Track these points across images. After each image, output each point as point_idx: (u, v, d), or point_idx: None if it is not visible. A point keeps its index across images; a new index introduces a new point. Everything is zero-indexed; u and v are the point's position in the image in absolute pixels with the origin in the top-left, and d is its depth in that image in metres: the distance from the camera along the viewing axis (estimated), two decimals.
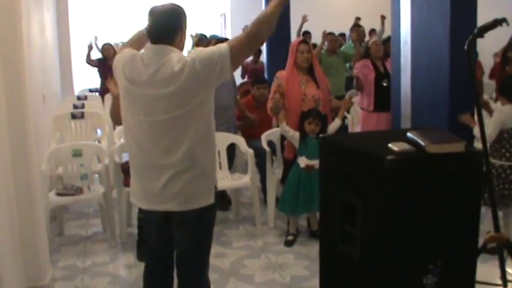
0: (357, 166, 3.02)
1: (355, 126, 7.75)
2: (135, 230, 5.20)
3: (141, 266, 3.65)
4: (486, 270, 3.83)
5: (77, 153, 5.64)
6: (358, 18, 11.20)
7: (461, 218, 2.91)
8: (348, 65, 9.43)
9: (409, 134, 3.02)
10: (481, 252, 3.51)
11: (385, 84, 6.34)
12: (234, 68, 2.98)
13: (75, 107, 7.78)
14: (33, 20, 6.37)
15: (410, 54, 5.20)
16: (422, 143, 2.88)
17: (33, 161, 4.36)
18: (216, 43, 6.35)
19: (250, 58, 10.71)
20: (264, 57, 11.07)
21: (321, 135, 4.04)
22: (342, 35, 11.35)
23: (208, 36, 9.83)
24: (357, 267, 3.03)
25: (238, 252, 5.17)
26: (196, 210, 3.01)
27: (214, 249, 5.13)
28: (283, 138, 5.60)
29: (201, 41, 8.68)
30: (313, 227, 5.41)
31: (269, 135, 5.92)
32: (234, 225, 5.91)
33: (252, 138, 6.22)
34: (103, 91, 9.33)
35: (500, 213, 4.28)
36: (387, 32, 8.30)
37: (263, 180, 6.16)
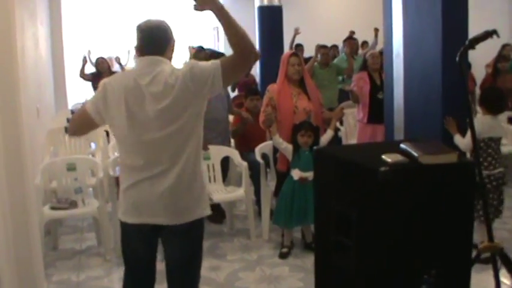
0: (351, 178, 3.04)
1: (349, 139, 7.78)
2: None
3: None
4: (480, 280, 3.85)
5: (71, 167, 5.63)
6: (352, 32, 11.27)
7: (454, 227, 2.92)
8: (340, 77, 9.47)
9: (402, 145, 3.04)
10: (475, 262, 3.52)
11: (380, 96, 6.38)
12: (227, 85, 3.02)
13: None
14: (27, 33, 6.39)
15: (403, 66, 5.23)
16: (415, 154, 2.90)
17: (27, 175, 4.35)
18: (211, 56, 6.40)
19: None
20: (257, 70, 11.13)
21: (315, 148, 4.06)
22: (334, 46, 11.39)
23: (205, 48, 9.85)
24: (352, 278, 3.03)
25: (233, 265, 5.17)
26: (193, 222, 3.02)
27: (209, 262, 5.16)
28: (275, 150, 5.61)
29: (199, 52, 8.70)
30: (307, 239, 5.41)
31: (263, 148, 5.93)
32: (229, 238, 5.90)
33: (246, 151, 6.23)
34: None
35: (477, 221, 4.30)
36: (380, 45, 8.35)
37: (257, 192, 6.16)
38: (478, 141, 4.70)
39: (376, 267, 2.87)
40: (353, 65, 9.35)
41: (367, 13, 12.89)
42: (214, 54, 6.73)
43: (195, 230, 3.10)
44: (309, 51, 11.26)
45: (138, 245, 3.11)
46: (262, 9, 11.11)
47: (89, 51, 10.90)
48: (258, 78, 11.28)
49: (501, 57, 9.01)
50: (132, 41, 3.14)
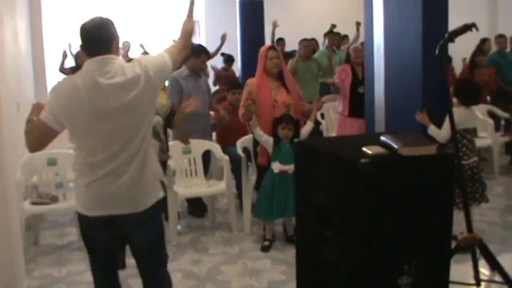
0: (332, 170, 3.06)
1: (330, 132, 7.81)
2: None
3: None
4: (460, 270, 3.89)
5: (52, 162, 5.61)
6: (333, 25, 11.27)
7: (434, 218, 2.95)
8: (321, 73, 9.48)
9: (382, 138, 3.06)
10: (454, 253, 3.57)
11: (361, 91, 6.42)
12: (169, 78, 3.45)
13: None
14: (6, 27, 6.32)
15: (384, 60, 5.25)
16: (395, 146, 2.92)
17: (7, 170, 4.32)
18: (192, 48, 6.41)
19: (222, 65, 10.76)
20: (238, 64, 11.12)
21: (295, 140, 4.07)
22: (313, 40, 11.37)
23: None
24: (334, 270, 3.06)
25: (215, 258, 5.17)
26: (152, 207, 3.19)
27: (191, 256, 5.17)
28: (255, 144, 5.62)
29: None
30: (289, 232, 5.43)
31: (244, 142, 5.94)
32: (210, 231, 5.91)
33: (227, 145, 6.23)
34: None
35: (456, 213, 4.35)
36: (362, 38, 8.37)
37: (239, 186, 6.18)
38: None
39: (357, 258, 2.89)
40: (332, 58, 9.42)
41: (349, 7, 12.94)
42: (195, 48, 6.72)
43: (155, 214, 3.26)
44: (290, 45, 11.27)
45: (97, 234, 3.22)
46: (243, 3, 11.08)
47: (70, 45, 10.80)
48: (238, 73, 11.28)
49: (479, 51, 9.09)
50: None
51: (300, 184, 3.43)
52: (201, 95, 6.09)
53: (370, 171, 2.74)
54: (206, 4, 14.94)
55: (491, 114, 8.18)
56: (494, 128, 7.81)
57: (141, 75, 3.05)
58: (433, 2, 4.87)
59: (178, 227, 5.88)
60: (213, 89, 10.02)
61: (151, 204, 3.18)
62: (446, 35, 3.67)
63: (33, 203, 5.33)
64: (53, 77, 11.30)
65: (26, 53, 8.90)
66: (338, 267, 3.02)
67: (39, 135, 3.09)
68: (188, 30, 3.44)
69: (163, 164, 5.18)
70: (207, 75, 8.83)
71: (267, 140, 5.24)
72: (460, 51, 8.32)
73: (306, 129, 5.41)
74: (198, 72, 6.26)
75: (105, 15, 3.16)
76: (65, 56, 9.88)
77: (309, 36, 9.72)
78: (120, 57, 3.19)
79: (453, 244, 3.47)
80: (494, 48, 9.79)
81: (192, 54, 6.20)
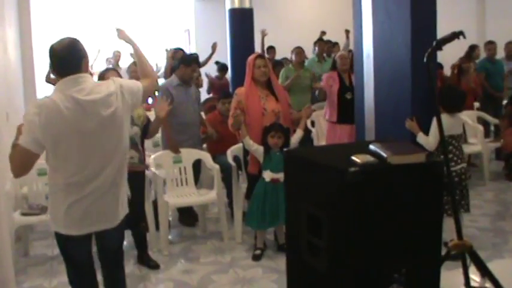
0: (321, 179, 3.06)
1: (321, 140, 7.82)
2: None
3: None
4: (450, 277, 3.89)
5: (42, 172, 5.57)
6: (323, 33, 11.30)
7: (424, 226, 2.96)
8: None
9: (371, 146, 3.07)
10: (445, 260, 3.57)
11: (348, 97, 6.46)
12: (143, 102, 3.76)
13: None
14: None
15: (373, 67, 5.27)
16: (384, 154, 2.93)
17: None
18: (182, 57, 6.44)
19: (216, 74, 10.77)
20: (228, 73, 11.12)
21: (285, 149, 4.07)
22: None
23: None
24: (324, 279, 3.05)
25: (206, 267, 5.16)
26: (123, 218, 3.45)
27: (182, 265, 5.16)
28: (246, 153, 5.61)
29: (176, 53, 8.69)
30: (280, 241, 5.43)
31: (234, 151, 5.94)
32: (202, 240, 5.90)
33: (217, 154, 6.23)
34: None
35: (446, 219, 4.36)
36: (352, 46, 8.40)
37: (230, 195, 6.17)
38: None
39: (348, 267, 2.89)
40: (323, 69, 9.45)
41: (338, 15, 12.96)
42: (185, 58, 6.75)
43: (124, 223, 3.48)
44: (280, 54, 11.29)
45: (79, 250, 3.37)
46: (233, 11, 11.10)
47: None
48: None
49: (467, 57, 9.15)
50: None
51: (290, 193, 3.43)
52: (191, 104, 6.10)
53: (359, 180, 2.75)
54: (196, 13, 14.97)
55: (481, 120, 8.22)
56: (484, 134, 7.84)
57: (116, 92, 3.18)
58: (422, 9, 4.89)
59: (170, 237, 5.87)
60: (207, 97, 10.04)
61: (124, 215, 3.42)
62: (434, 43, 3.69)
63: (24, 214, 5.31)
64: (43, 87, 11.26)
65: (16, 62, 8.87)
66: (329, 276, 3.01)
67: (21, 162, 3.11)
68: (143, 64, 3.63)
69: (142, 175, 5.19)
70: (200, 84, 8.82)
71: (257, 149, 5.24)
72: (451, 57, 8.37)
73: (296, 137, 5.42)
74: (188, 81, 6.25)
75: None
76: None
77: (298, 44, 9.74)
78: (89, 75, 3.29)
79: (443, 251, 3.47)
80: (483, 54, 9.85)
81: (182, 63, 6.21)
